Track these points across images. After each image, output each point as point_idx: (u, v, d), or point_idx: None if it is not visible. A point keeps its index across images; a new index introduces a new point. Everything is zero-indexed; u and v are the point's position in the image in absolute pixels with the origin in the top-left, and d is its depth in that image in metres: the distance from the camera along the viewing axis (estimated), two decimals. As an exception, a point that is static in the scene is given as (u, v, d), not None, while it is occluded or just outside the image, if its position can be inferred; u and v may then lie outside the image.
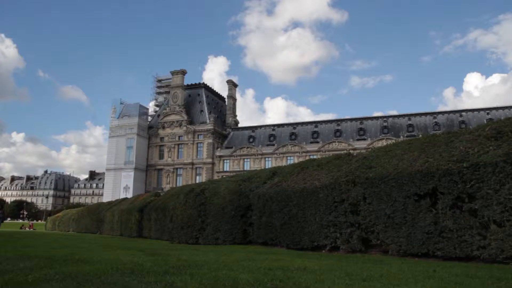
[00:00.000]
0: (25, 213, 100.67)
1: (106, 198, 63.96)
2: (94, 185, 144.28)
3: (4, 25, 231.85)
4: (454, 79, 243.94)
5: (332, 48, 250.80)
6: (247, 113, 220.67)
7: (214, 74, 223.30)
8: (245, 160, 69.48)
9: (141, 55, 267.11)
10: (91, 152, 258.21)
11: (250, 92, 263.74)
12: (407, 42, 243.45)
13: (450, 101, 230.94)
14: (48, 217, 56.62)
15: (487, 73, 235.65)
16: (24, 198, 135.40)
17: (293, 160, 62.38)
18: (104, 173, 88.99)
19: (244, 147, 70.15)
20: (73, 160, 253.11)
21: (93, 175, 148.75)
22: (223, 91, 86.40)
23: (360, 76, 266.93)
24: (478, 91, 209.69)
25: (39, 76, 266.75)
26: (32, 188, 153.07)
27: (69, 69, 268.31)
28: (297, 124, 73.40)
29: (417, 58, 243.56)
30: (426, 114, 65.00)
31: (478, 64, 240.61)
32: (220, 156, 70.90)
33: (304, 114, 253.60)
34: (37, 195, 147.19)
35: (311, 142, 66.87)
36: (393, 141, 29.18)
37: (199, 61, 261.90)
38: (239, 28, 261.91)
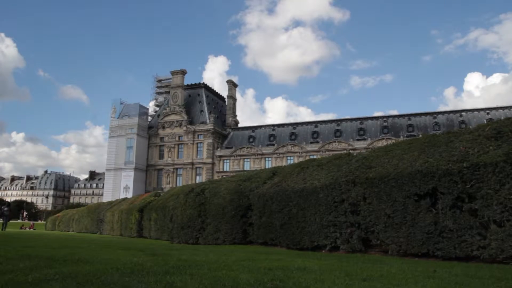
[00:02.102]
0: (25, 213, 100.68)
1: (106, 198, 63.98)
2: (94, 185, 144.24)
3: (4, 25, 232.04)
4: (454, 79, 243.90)
5: (333, 48, 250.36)
6: (248, 113, 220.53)
7: (214, 74, 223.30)
8: (245, 160, 69.49)
9: (141, 55, 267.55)
10: (91, 151, 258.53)
11: (250, 92, 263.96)
12: (408, 41, 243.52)
13: (450, 101, 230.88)
14: (48, 217, 56.64)
15: (488, 72, 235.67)
16: (24, 198, 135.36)
17: (293, 160, 62.40)
18: (104, 173, 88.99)
19: (244, 147, 70.16)
20: (73, 160, 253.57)
21: (93, 175, 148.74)
22: (223, 91, 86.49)
23: (361, 76, 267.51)
24: (479, 91, 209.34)
25: (39, 76, 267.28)
26: (32, 188, 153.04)
27: (69, 68, 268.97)
28: (297, 124, 73.43)
29: (418, 58, 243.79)
30: (426, 114, 65.03)
31: (479, 64, 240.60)
32: (220, 156, 70.89)
33: (305, 114, 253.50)
34: (37, 195, 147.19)
35: (311, 142, 66.88)
36: (393, 141, 29.18)
37: (199, 60, 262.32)
38: (239, 28, 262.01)
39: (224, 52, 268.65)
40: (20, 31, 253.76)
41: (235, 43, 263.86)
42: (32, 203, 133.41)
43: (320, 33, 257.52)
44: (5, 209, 29.70)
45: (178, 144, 74.37)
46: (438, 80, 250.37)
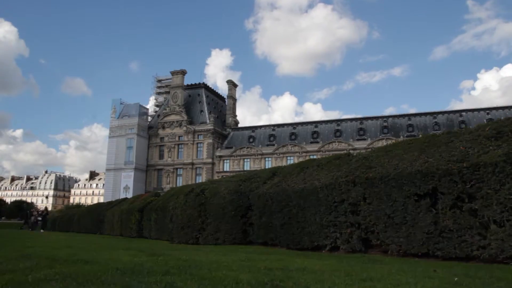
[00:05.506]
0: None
1: (106, 198, 63.96)
2: (94, 185, 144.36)
3: (15, 19, 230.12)
4: (472, 72, 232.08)
5: (358, 30, 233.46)
6: (254, 109, 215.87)
7: (218, 69, 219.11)
8: (245, 160, 69.45)
9: (142, 54, 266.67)
10: (91, 149, 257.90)
11: (257, 88, 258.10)
12: (427, 31, 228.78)
13: (469, 95, 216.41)
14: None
15: (505, 64, 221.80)
16: (24, 198, 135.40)
17: (293, 160, 62.35)
18: (104, 173, 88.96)
19: (244, 147, 70.12)
20: (73, 159, 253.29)
21: (93, 175, 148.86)
22: (227, 87, 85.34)
23: (366, 70, 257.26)
24: (497, 84, 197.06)
25: (38, 74, 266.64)
26: (32, 188, 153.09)
27: (68, 67, 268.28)
28: (297, 124, 73.43)
29: (430, 50, 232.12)
30: (426, 114, 65.02)
31: (495, 57, 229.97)
32: (220, 156, 70.88)
33: (314, 111, 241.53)
34: (37, 195, 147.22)
35: (311, 142, 66.85)
36: (393, 141, 29.17)
37: (203, 55, 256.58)
38: (247, 17, 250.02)
39: (231, 43, 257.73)
40: (25, 29, 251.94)
41: (242, 34, 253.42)
42: (32, 203, 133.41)
43: (343, 13, 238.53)
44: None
45: (178, 144, 74.32)
46: (453, 73, 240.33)
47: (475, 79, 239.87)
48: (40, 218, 32.42)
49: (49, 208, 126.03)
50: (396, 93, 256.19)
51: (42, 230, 30.12)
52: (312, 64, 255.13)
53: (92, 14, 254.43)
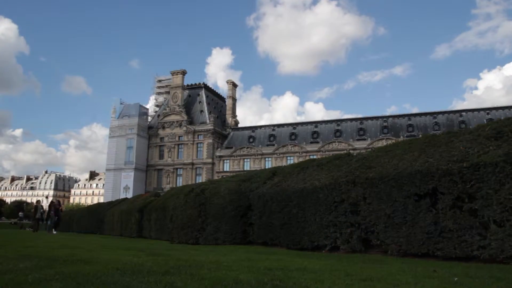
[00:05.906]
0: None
1: (106, 198, 63.97)
2: (94, 185, 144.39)
3: (17, 20, 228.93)
4: (474, 71, 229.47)
5: (363, 26, 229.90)
6: (255, 109, 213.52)
7: (218, 69, 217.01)
8: (245, 160, 69.46)
9: (142, 52, 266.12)
10: (91, 149, 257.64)
11: (258, 87, 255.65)
12: (428, 29, 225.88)
13: (472, 94, 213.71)
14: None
15: (507, 63, 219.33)
16: (24, 199, 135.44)
17: (293, 160, 62.38)
18: (104, 173, 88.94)
19: (244, 147, 70.14)
20: (73, 159, 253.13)
21: (93, 175, 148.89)
22: (227, 88, 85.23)
23: (367, 70, 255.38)
24: (500, 83, 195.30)
25: (39, 72, 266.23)
26: (32, 188, 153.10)
27: (69, 65, 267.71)
28: (297, 124, 73.48)
29: (433, 48, 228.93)
30: (426, 114, 65.07)
31: (498, 55, 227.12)
32: (220, 156, 70.89)
33: (316, 110, 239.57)
34: (37, 195, 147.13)
35: (311, 142, 66.87)
36: (393, 141, 29.19)
37: (204, 54, 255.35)
38: (249, 14, 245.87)
39: (231, 42, 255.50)
40: (26, 29, 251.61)
41: (243, 34, 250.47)
42: (32, 203, 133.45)
43: (346, 8, 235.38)
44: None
45: (178, 144, 74.35)
46: (456, 72, 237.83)
47: (478, 78, 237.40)
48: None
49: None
50: (397, 92, 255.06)
51: (54, 231, 24.11)
52: (314, 62, 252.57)
53: (93, 12, 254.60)
